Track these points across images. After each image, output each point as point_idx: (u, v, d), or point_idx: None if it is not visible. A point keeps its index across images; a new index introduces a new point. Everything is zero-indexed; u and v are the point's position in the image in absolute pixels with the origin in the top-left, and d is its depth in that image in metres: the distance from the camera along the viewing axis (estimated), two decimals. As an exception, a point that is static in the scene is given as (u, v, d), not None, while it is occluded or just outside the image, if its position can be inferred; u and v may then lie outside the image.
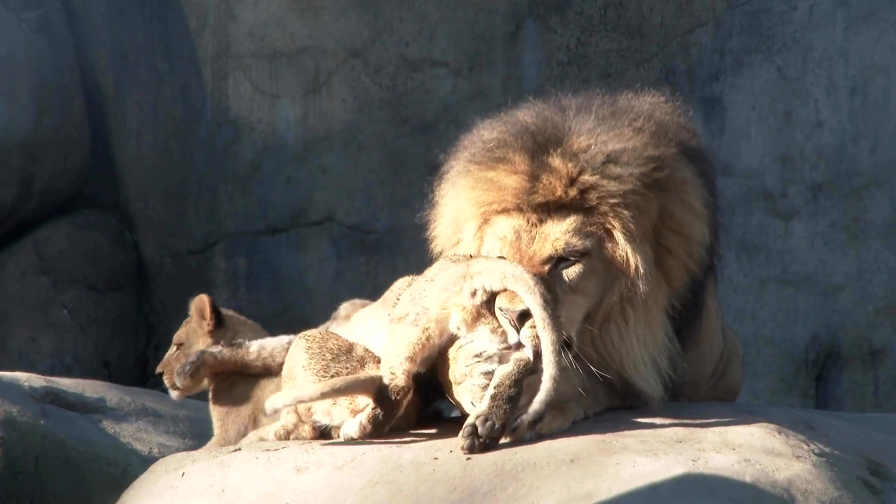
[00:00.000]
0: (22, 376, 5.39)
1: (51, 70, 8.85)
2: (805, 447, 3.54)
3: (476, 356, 3.55)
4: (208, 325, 4.38)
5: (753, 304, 7.83)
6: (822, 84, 7.71)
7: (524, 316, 3.48)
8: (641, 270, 3.69)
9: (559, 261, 3.70)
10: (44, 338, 8.86)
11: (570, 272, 3.69)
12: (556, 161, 3.70)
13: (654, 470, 3.33)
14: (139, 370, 9.17)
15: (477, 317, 3.56)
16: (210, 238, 9.21)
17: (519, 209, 3.74)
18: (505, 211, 3.76)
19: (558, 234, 3.69)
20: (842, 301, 7.64)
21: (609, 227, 3.71)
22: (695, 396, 4.24)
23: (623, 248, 3.70)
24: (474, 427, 3.46)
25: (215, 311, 4.38)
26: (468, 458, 3.49)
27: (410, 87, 8.61)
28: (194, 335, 4.41)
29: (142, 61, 9.24)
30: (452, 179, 3.91)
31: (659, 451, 3.44)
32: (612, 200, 3.69)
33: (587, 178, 3.68)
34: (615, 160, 3.72)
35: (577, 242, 3.69)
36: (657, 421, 3.70)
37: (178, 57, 9.18)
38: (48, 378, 5.52)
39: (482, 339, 3.57)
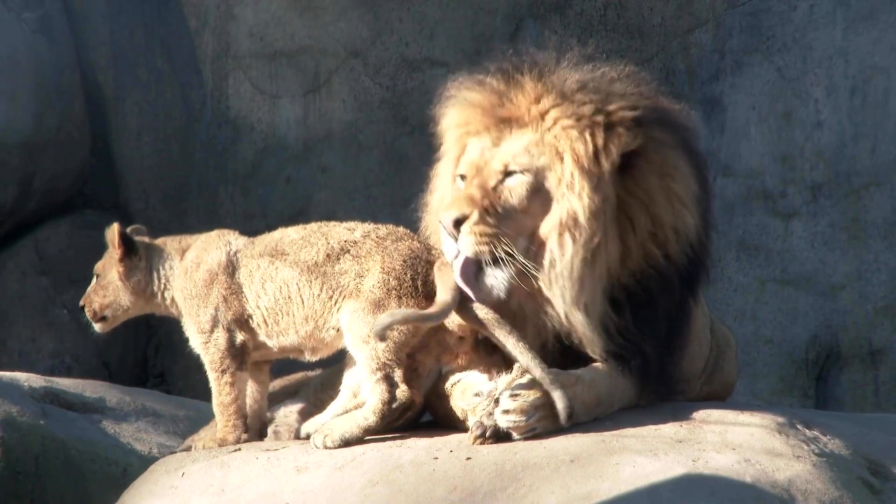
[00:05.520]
0: (22, 376, 5.38)
1: (51, 70, 8.84)
2: (805, 447, 3.55)
3: (476, 395, 3.72)
4: (118, 252, 4.19)
5: (753, 304, 7.82)
6: (822, 84, 7.71)
7: (459, 222, 3.74)
8: (586, 200, 3.74)
9: (506, 175, 3.83)
10: (44, 338, 8.86)
11: (514, 185, 3.81)
12: (527, 81, 3.88)
13: (655, 470, 3.34)
14: (139, 370, 9.16)
15: (470, 361, 3.83)
16: (210, 238, 9.20)
17: (486, 129, 3.91)
18: (476, 132, 3.94)
19: (511, 149, 3.84)
20: (842, 301, 7.64)
21: (561, 149, 3.79)
22: (690, 394, 4.25)
23: (569, 171, 3.77)
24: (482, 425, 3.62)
25: (125, 240, 4.19)
26: (468, 459, 3.49)
27: (410, 87, 8.61)
28: (109, 265, 4.23)
29: (142, 61, 9.23)
30: (445, 102, 4.16)
31: (659, 451, 3.44)
32: (567, 122, 3.79)
33: (550, 98, 3.82)
34: (584, 87, 3.84)
35: (524, 159, 3.82)
36: (657, 421, 3.70)
37: (178, 57, 9.18)
38: (48, 378, 5.51)
39: (478, 378, 3.77)
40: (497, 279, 3.78)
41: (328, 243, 3.94)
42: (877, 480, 3.56)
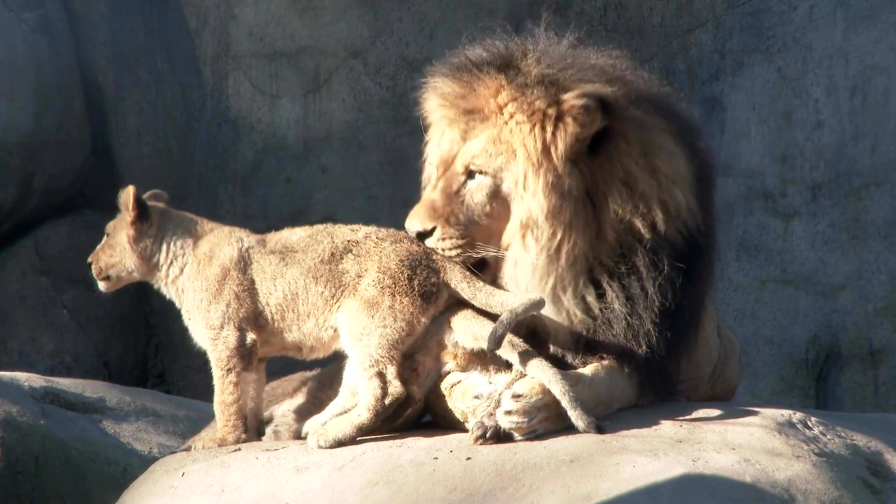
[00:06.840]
0: (22, 376, 5.38)
1: (51, 70, 8.85)
2: (805, 447, 3.55)
3: (476, 397, 3.71)
4: (130, 216, 4.19)
5: (753, 304, 7.82)
6: (822, 84, 7.71)
7: (422, 236, 3.81)
8: (541, 200, 3.72)
9: (468, 177, 3.85)
10: (44, 338, 8.86)
11: (475, 190, 3.84)
12: (488, 74, 3.86)
13: (655, 470, 3.34)
14: (139, 370, 9.16)
15: (468, 361, 3.83)
16: (210, 238, 9.20)
17: (456, 119, 3.92)
18: (450, 122, 3.95)
19: (472, 149, 3.84)
20: (842, 301, 7.64)
21: (515, 146, 3.78)
22: (693, 396, 4.24)
23: (522, 171, 3.76)
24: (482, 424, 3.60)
25: (139, 204, 4.18)
26: (468, 459, 3.49)
27: (410, 87, 8.59)
28: (119, 226, 4.24)
29: (142, 61, 9.24)
30: (424, 89, 4.17)
31: (659, 451, 3.44)
32: (520, 117, 3.77)
33: (508, 92, 3.81)
34: (543, 80, 3.80)
35: (482, 160, 3.82)
36: (657, 421, 3.70)
37: (178, 57, 9.18)
38: (48, 378, 5.51)
39: (478, 380, 3.77)
40: None
41: (333, 242, 3.98)
42: (877, 480, 3.56)
